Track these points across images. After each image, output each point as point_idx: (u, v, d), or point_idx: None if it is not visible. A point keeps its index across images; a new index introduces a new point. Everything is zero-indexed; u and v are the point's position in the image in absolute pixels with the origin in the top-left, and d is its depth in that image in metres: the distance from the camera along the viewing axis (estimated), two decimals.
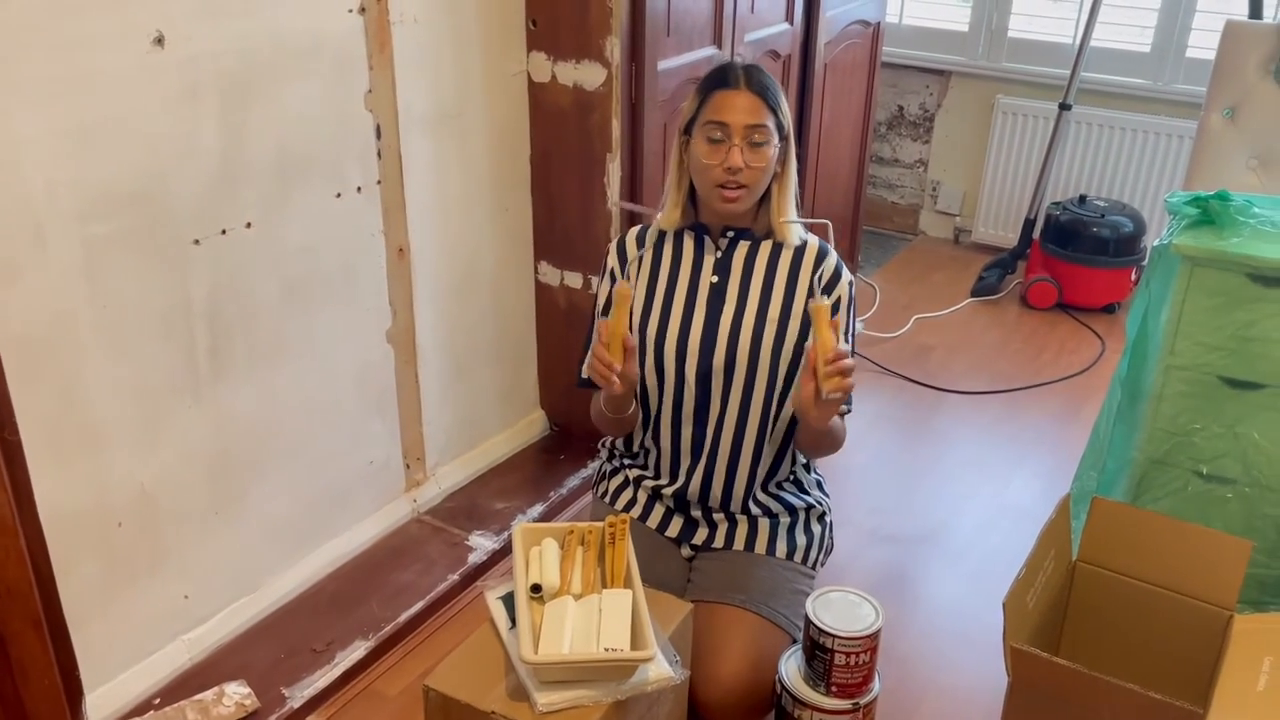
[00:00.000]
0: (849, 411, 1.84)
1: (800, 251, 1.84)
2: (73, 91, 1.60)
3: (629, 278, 1.87)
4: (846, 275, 1.85)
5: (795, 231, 1.83)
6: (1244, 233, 1.85)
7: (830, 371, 1.57)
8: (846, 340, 1.82)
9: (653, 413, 1.89)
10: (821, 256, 1.84)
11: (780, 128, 1.75)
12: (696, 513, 1.93)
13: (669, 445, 1.90)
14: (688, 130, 1.77)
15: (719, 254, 1.85)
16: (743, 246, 1.85)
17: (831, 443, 1.83)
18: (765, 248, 1.84)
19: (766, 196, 1.81)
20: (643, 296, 1.87)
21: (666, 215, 1.86)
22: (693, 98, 1.77)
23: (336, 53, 2.00)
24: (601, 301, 1.92)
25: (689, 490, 1.90)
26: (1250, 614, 1.64)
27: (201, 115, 1.79)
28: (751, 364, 1.81)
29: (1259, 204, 1.93)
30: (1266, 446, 1.89)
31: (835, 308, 1.81)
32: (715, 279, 1.84)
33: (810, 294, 1.77)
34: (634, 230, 1.93)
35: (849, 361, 1.58)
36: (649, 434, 1.92)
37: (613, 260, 1.91)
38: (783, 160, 1.78)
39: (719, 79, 1.74)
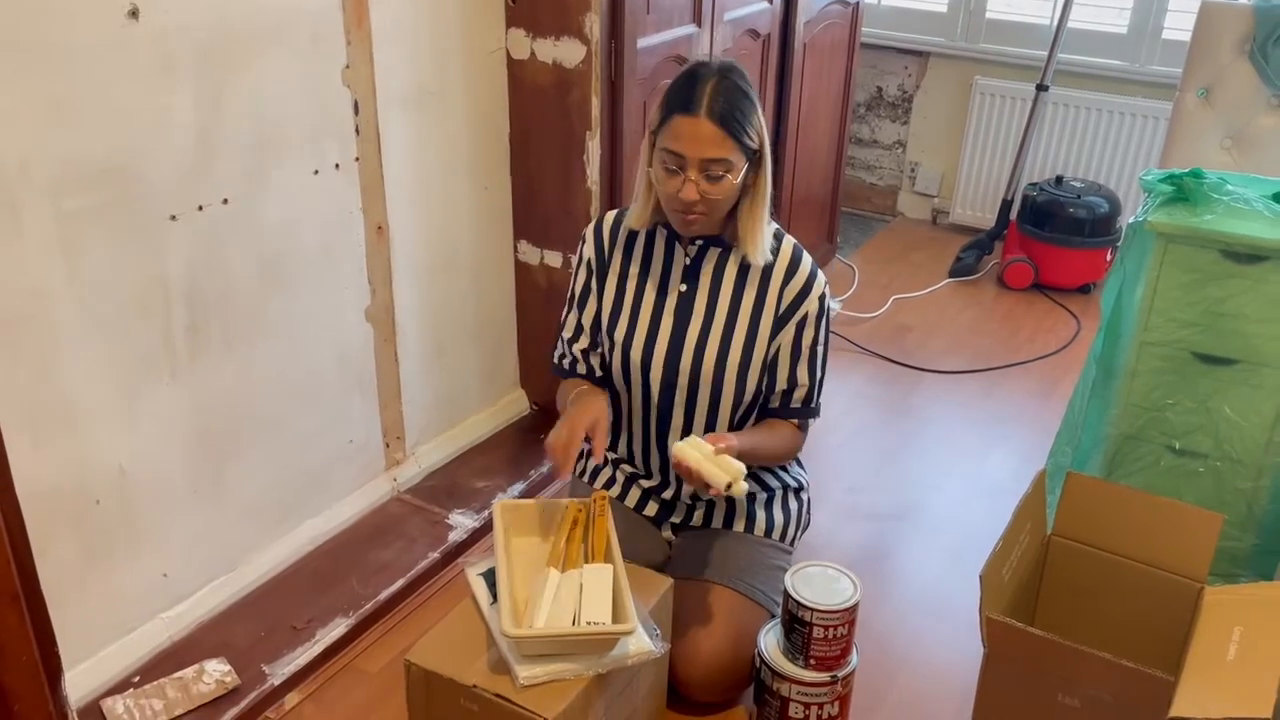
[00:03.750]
0: (804, 426, 1.87)
1: (772, 263, 1.78)
2: (45, 64, 1.58)
3: (601, 286, 1.83)
4: (818, 289, 1.78)
5: (762, 251, 1.75)
6: (1217, 210, 1.87)
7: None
8: (814, 358, 1.82)
9: (624, 411, 1.89)
10: (794, 267, 1.78)
11: (748, 149, 1.64)
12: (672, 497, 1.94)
13: (640, 444, 1.91)
14: (656, 132, 1.67)
15: (688, 260, 1.80)
16: (713, 254, 1.79)
17: (762, 459, 1.81)
18: (736, 256, 1.77)
19: (736, 210, 1.73)
20: (612, 297, 1.83)
21: (636, 214, 1.78)
22: (659, 106, 1.66)
23: (314, 27, 1.98)
24: (578, 288, 1.87)
25: (663, 488, 1.91)
26: (1221, 585, 1.67)
27: (177, 89, 1.77)
28: (716, 381, 1.78)
29: (1232, 181, 1.95)
30: (1238, 421, 1.92)
31: (802, 325, 1.80)
32: (684, 287, 1.79)
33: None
34: (610, 215, 1.87)
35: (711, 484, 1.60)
36: (623, 430, 1.92)
37: (589, 250, 1.86)
38: (754, 177, 1.69)
39: (683, 98, 1.61)
